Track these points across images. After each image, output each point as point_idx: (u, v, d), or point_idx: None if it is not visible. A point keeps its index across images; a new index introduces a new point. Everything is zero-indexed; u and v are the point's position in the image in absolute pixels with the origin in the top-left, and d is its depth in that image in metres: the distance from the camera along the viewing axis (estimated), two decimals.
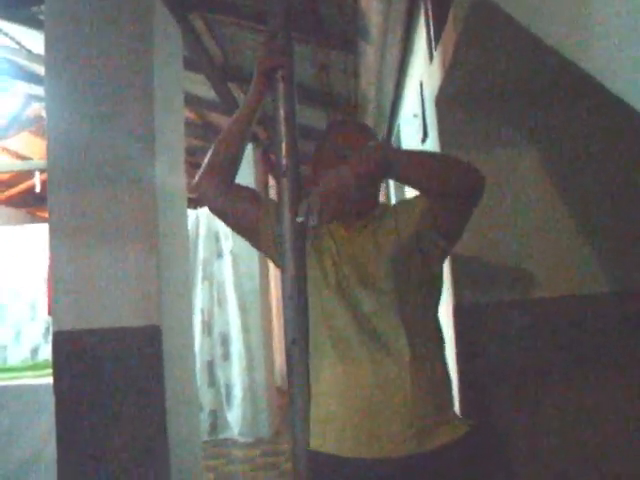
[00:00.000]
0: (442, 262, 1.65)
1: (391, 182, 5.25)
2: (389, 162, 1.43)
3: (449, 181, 1.48)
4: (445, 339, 1.66)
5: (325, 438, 1.52)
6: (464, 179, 1.50)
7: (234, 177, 1.69)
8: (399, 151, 1.47)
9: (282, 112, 1.63)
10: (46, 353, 5.26)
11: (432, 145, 2.59)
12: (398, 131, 4.29)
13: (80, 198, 2.59)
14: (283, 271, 1.60)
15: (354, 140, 1.64)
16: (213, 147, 1.69)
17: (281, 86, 1.63)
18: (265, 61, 1.61)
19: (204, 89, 4.81)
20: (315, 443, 1.53)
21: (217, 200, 1.69)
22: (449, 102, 2.40)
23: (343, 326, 1.55)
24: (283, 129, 1.63)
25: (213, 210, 1.73)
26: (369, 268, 1.59)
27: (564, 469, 2.24)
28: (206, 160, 1.69)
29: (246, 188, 1.73)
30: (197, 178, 1.69)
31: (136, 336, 2.51)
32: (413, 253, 1.59)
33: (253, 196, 1.73)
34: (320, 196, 1.40)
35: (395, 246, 1.59)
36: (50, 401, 2.56)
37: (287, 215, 1.60)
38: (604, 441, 2.24)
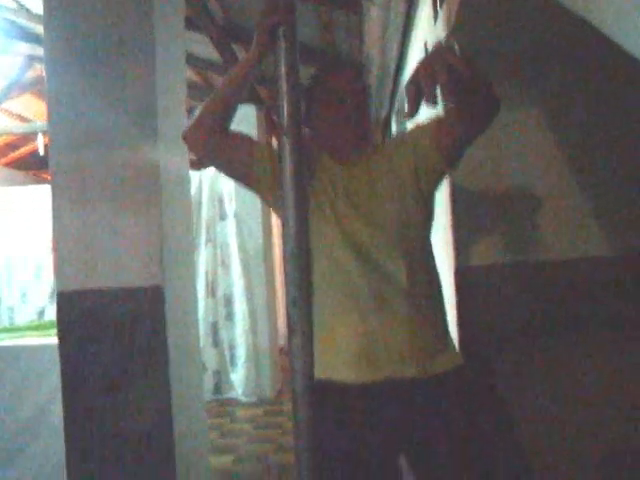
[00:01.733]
0: (439, 185, 1.69)
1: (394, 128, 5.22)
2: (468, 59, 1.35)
3: (488, 94, 1.48)
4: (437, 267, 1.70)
5: (328, 366, 1.56)
6: (493, 95, 1.49)
7: (225, 131, 1.68)
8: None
9: (283, 70, 1.61)
10: (52, 314, 5.30)
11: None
12: (402, 92, 4.25)
13: (82, 159, 2.58)
14: (284, 229, 1.60)
15: (351, 84, 1.67)
16: (207, 101, 1.67)
17: (283, 43, 1.61)
18: (267, 18, 1.59)
19: (207, 49, 4.76)
20: (318, 372, 1.53)
21: (206, 151, 1.70)
22: None
23: (342, 257, 1.59)
24: (284, 88, 1.61)
25: (203, 159, 1.73)
26: (365, 202, 1.62)
27: (562, 426, 2.26)
28: (198, 113, 1.67)
29: (237, 135, 1.71)
30: (187, 129, 1.69)
31: (139, 296, 2.53)
32: (410, 187, 1.62)
33: (245, 142, 1.72)
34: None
35: (391, 180, 1.63)
36: (56, 361, 2.59)
37: (288, 174, 1.59)
38: (601, 401, 2.26)
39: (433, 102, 1.21)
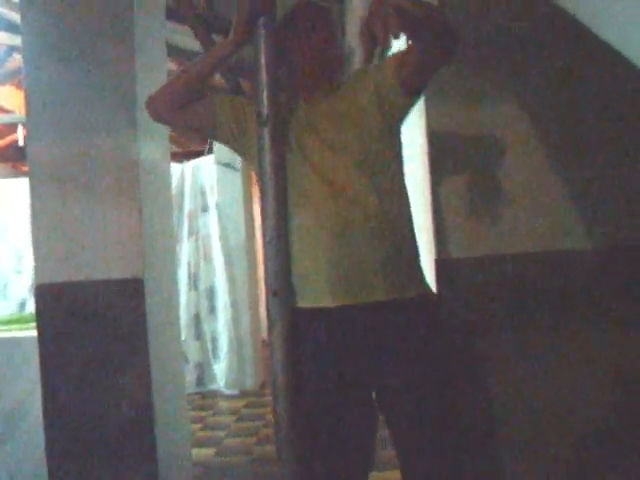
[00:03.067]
0: (403, 120, 1.74)
1: None
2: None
3: (441, 26, 1.50)
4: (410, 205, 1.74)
5: (304, 293, 1.62)
6: (449, 27, 1.51)
7: (187, 102, 1.72)
8: None
9: (263, 60, 1.61)
10: (33, 307, 5.25)
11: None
12: None
13: (60, 149, 2.56)
14: (263, 221, 1.60)
15: (313, 19, 1.72)
16: (174, 78, 1.73)
17: (262, 33, 1.60)
18: (247, 6, 1.58)
19: (188, 40, 4.72)
20: (298, 301, 1.63)
21: (167, 121, 1.83)
22: None
23: (310, 187, 1.63)
24: (264, 78, 1.61)
25: (165, 125, 1.81)
26: (330, 133, 1.67)
27: (545, 416, 2.28)
28: (163, 87, 1.75)
29: (200, 103, 1.74)
30: (150, 99, 1.75)
31: (119, 289, 2.51)
32: (372, 116, 1.66)
33: (205, 106, 1.75)
34: None
35: (354, 111, 1.67)
36: (35, 353, 2.57)
37: (268, 164, 1.59)
38: (591, 394, 2.28)
39: (387, 46, 1.32)
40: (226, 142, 1.81)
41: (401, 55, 1.64)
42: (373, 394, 1.70)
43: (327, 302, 1.60)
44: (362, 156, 1.64)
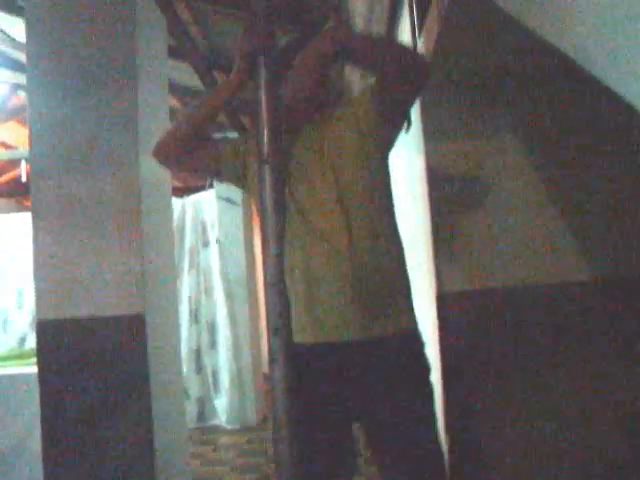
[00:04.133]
0: (385, 153, 1.74)
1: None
2: (349, 39, 1.55)
3: (399, 61, 1.56)
4: (402, 239, 1.74)
5: (294, 330, 1.64)
6: (412, 61, 1.60)
7: (195, 147, 1.74)
8: (356, 32, 1.60)
9: (264, 98, 1.63)
10: (33, 341, 5.24)
11: (416, 133, 2.59)
12: None
13: (63, 186, 2.59)
14: (264, 259, 1.61)
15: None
16: (179, 120, 1.74)
17: (263, 72, 1.63)
18: (247, 44, 1.61)
19: (189, 77, 4.79)
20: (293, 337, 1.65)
21: (175, 166, 1.83)
22: (432, 90, 2.40)
23: (293, 223, 1.65)
24: (265, 115, 1.63)
25: (173, 170, 1.82)
26: (310, 167, 1.68)
27: (546, 456, 2.26)
28: (167, 132, 1.75)
29: (206, 146, 1.77)
30: (157, 146, 1.76)
31: (120, 325, 2.52)
32: (354, 150, 1.67)
33: (211, 149, 1.78)
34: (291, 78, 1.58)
35: (335, 145, 1.69)
36: (36, 390, 2.56)
37: (269, 202, 1.61)
38: (589, 427, 2.27)
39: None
40: (231, 182, 1.85)
41: (373, 86, 1.69)
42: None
43: (306, 338, 1.63)
44: (339, 194, 1.64)
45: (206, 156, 1.76)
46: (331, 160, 1.68)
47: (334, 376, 1.62)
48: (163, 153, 1.75)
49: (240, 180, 1.80)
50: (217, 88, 1.73)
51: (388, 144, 1.76)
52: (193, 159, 1.76)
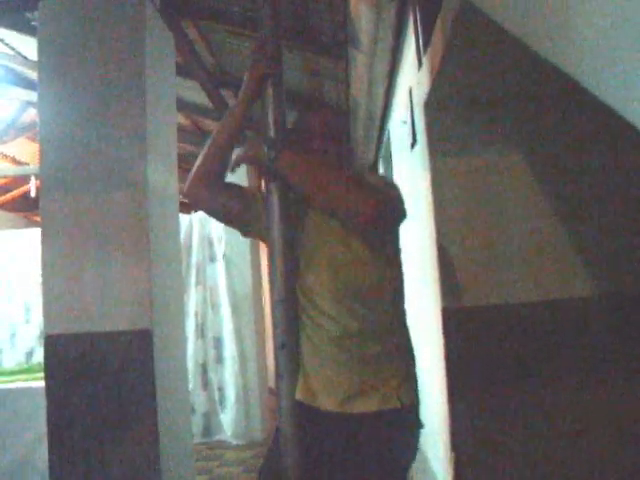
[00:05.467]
0: (392, 240, 1.74)
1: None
2: (270, 164, 1.60)
3: (334, 202, 1.58)
4: (404, 313, 1.74)
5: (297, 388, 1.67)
6: (353, 205, 1.55)
7: (223, 180, 1.75)
8: (287, 158, 1.58)
9: (271, 117, 1.66)
10: (40, 356, 5.26)
11: (421, 150, 2.62)
12: (388, 137, 4.32)
13: (72, 202, 2.61)
14: (273, 275, 1.63)
15: (322, 122, 1.76)
16: (202, 153, 1.73)
17: (270, 92, 1.66)
18: (256, 69, 1.65)
19: (197, 95, 4.84)
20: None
21: (208, 203, 1.76)
22: (438, 108, 2.43)
23: (298, 300, 1.67)
24: (272, 134, 1.66)
25: (206, 212, 1.80)
26: (310, 243, 1.71)
27: (550, 472, 2.26)
28: (196, 166, 1.74)
29: (233, 186, 1.78)
30: (187, 184, 1.75)
31: (127, 340, 2.53)
32: (343, 234, 1.67)
33: (241, 192, 1.79)
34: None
35: (329, 225, 1.69)
36: (43, 404, 2.57)
37: (276, 220, 1.63)
38: (590, 442, 2.27)
39: None
40: (258, 235, 1.83)
41: None
42: None
43: (306, 399, 1.65)
44: (333, 277, 1.66)
45: (237, 202, 1.76)
46: (326, 236, 1.70)
47: (315, 438, 1.65)
48: (194, 190, 1.74)
49: (261, 227, 1.77)
50: (228, 113, 1.75)
51: (389, 238, 1.75)
52: (223, 199, 1.74)
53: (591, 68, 0.84)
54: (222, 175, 1.74)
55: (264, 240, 1.78)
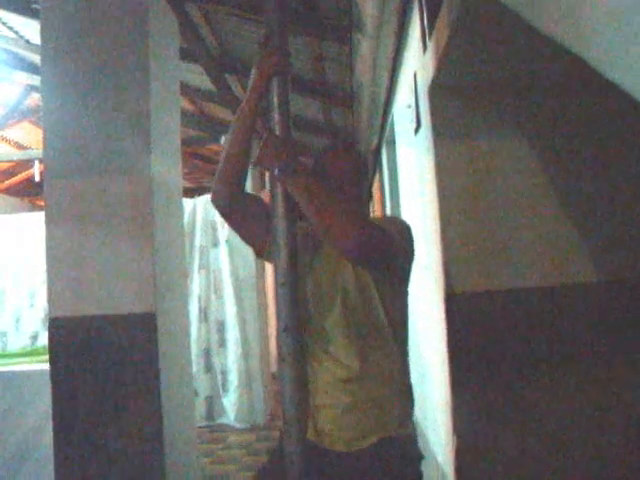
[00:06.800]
0: (397, 279, 1.72)
1: (387, 194, 5.28)
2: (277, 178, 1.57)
3: (322, 227, 1.55)
4: (406, 344, 1.76)
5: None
6: (337, 232, 1.52)
7: (243, 182, 1.74)
8: (295, 181, 1.56)
9: (276, 115, 1.65)
10: (45, 340, 5.30)
11: (425, 135, 2.61)
12: (392, 121, 4.31)
13: (76, 186, 2.62)
14: (275, 259, 1.63)
15: (339, 161, 1.76)
16: (221, 156, 1.74)
17: (275, 86, 1.65)
18: (263, 64, 1.63)
19: (201, 80, 4.82)
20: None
21: (231, 208, 1.74)
22: (442, 92, 2.42)
23: (305, 335, 1.68)
24: (276, 118, 1.65)
25: (228, 222, 1.79)
26: (324, 287, 1.71)
27: (553, 459, 2.27)
28: (217, 170, 1.74)
29: (256, 199, 1.78)
30: (212, 191, 1.76)
31: (131, 323, 2.55)
32: (348, 274, 1.68)
33: (263, 210, 1.76)
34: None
35: (334, 264, 1.70)
36: (47, 387, 2.60)
37: (280, 204, 1.63)
38: (592, 430, 2.28)
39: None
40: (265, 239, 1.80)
41: None
42: None
43: (314, 438, 1.67)
44: (350, 329, 1.67)
45: (259, 219, 1.74)
46: (330, 277, 1.71)
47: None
48: (218, 195, 1.73)
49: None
50: (238, 111, 1.73)
51: (399, 279, 1.74)
52: (246, 202, 1.74)
53: (603, 50, 0.83)
54: (241, 176, 1.72)
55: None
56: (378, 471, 1.63)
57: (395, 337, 1.70)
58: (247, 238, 1.80)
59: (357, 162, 1.82)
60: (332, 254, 1.72)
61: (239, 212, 1.75)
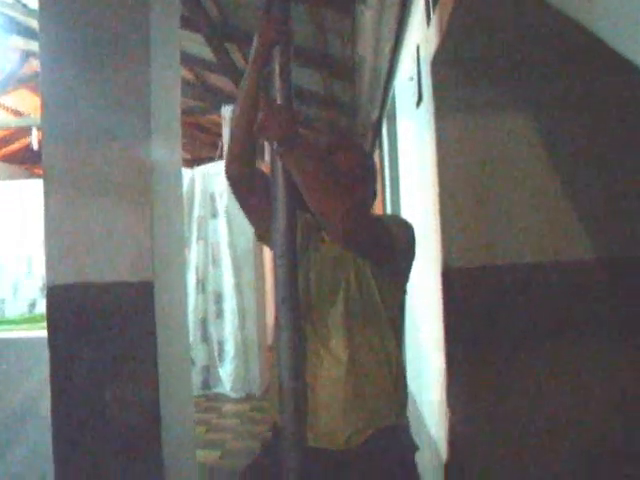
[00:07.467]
0: (382, 272, 1.71)
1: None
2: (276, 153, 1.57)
3: (319, 207, 1.54)
4: (401, 333, 1.77)
5: None
6: (331, 216, 1.52)
7: (253, 156, 1.73)
8: (294, 155, 1.55)
9: (278, 84, 1.63)
10: (43, 307, 5.31)
11: (426, 108, 2.60)
12: (393, 95, 4.28)
13: (74, 154, 2.60)
14: (274, 231, 1.63)
15: (348, 162, 1.75)
16: (230, 130, 1.73)
17: (277, 55, 1.63)
18: (264, 34, 1.61)
19: (202, 49, 4.78)
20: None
21: (242, 182, 1.74)
22: (445, 66, 2.40)
23: (304, 330, 1.68)
24: (278, 84, 1.63)
25: (236, 197, 1.78)
26: (326, 281, 1.72)
27: (547, 431, 2.30)
28: (228, 144, 1.75)
29: (268, 179, 1.75)
30: (225, 166, 1.75)
31: (129, 291, 2.55)
32: (350, 266, 1.69)
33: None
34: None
35: (338, 257, 1.71)
36: (45, 354, 2.61)
37: (280, 180, 1.62)
38: (587, 406, 2.30)
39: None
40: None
41: None
42: None
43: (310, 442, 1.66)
44: (348, 323, 1.67)
45: (266, 201, 1.70)
46: (332, 269, 1.72)
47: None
48: (227, 168, 1.74)
49: None
50: (241, 85, 1.72)
51: (383, 271, 1.73)
52: (253, 188, 1.73)
53: (613, 22, 0.82)
54: (248, 148, 1.71)
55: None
56: (375, 462, 1.65)
57: (393, 333, 1.72)
58: (252, 217, 1.81)
59: (365, 161, 1.84)
60: (335, 248, 1.72)
61: (247, 189, 1.75)
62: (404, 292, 1.78)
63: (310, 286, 1.72)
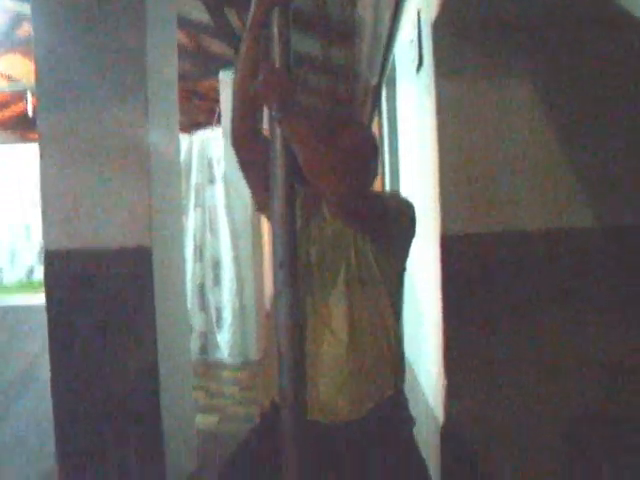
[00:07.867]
0: (391, 246, 1.72)
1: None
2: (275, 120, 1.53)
3: (315, 177, 1.53)
4: (400, 310, 1.79)
5: None
6: (327, 187, 1.52)
7: (257, 122, 1.71)
8: (292, 123, 1.53)
9: (277, 48, 1.60)
10: (41, 273, 5.32)
11: (427, 73, 2.56)
12: (393, 60, 4.23)
13: (70, 120, 2.58)
14: (273, 192, 1.62)
15: (351, 138, 1.73)
16: (232, 100, 1.71)
17: (276, 17, 1.60)
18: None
19: (198, 13, 4.70)
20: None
21: (243, 154, 1.73)
22: (446, 30, 2.36)
23: (303, 302, 1.67)
24: (277, 49, 1.60)
25: (240, 165, 1.76)
26: (326, 255, 1.71)
27: (546, 398, 2.31)
28: (232, 109, 1.71)
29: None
30: (230, 131, 1.73)
31: (127, 256, 2.55)
32: (351, 242, 1.69)
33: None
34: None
35: (338, 233, 1.70)
36: (44, 320, 2.61)
37: (278, 146, 1.60)
38: (587, 374, 2.31)
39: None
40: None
41: None
42: None
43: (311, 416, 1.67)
44: (350, 299, 1.68)
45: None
46: (328, 247, 1.71)
47: (323, 454, 1.68)
48: (234, 136, 1.71)
49: None
50: (240, 49, 1.69)
51: (386, 241, 1.72)
52: (256, 157, 1.69)
53: None
54: (250, 113, 1.68)
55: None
56: (374, 435, 1.68)
57: (392, 309, 1.73)
58: (254, 187, 1.80)
59: (368, 139, 1.82)
60: (335, 226, 1.72)
61: (250, 157, 1.72)
62: (404, 269, 1.79)
63: (311, 263, 1.72)
